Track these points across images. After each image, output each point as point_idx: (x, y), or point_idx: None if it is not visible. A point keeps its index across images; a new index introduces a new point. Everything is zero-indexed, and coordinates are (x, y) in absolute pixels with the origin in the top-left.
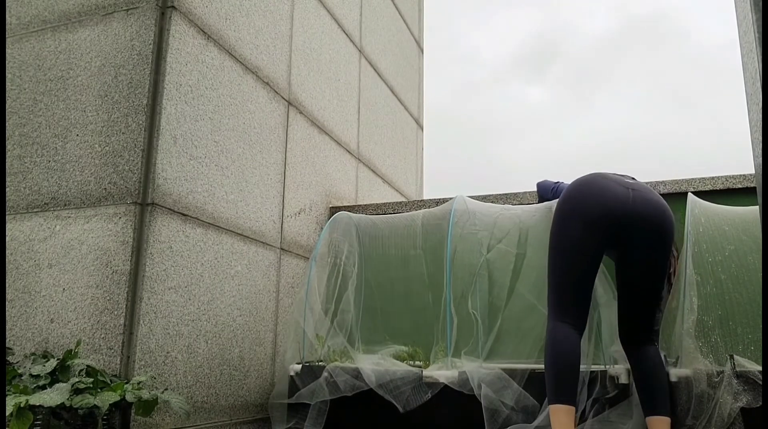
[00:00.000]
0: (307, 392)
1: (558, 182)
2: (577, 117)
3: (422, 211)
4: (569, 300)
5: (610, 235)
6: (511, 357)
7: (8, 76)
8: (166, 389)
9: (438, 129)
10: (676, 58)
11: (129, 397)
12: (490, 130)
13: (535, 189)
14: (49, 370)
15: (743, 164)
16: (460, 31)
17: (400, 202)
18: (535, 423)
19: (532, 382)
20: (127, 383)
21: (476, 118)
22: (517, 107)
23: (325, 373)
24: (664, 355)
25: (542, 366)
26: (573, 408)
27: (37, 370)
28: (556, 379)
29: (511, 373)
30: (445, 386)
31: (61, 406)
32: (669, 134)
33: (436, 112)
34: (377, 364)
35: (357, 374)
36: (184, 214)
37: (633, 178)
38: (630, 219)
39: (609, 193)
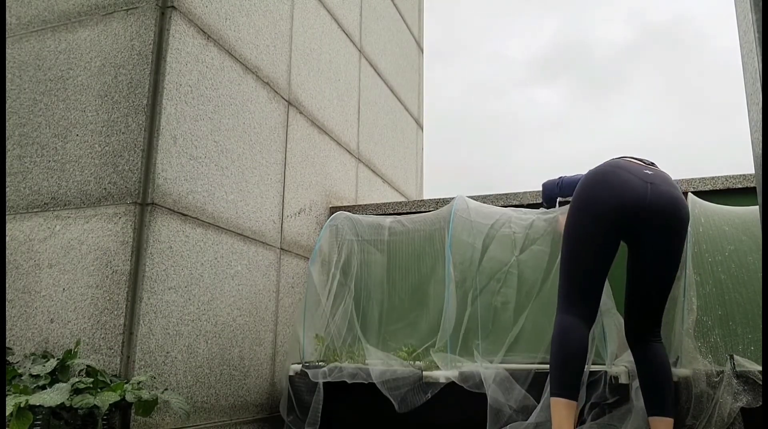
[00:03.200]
0: (312, 374)
1: (561, 177)
2: (589, 121)
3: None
4: (580, 293)
5: (624, 230)
6: (531, 352)
7: (8, 76)
8: (166, 389)
9: (451, 129)
10: (693, 64)
11: (129, 397)
12: (504, 132)
13: (540, 189)
14: (49, 370)
15: (743, 164)
16: (478, 35)
17: (400, 202)
18: (533, 419)
19: (536, 382)
20: (127, 383)
21: (491, 120)
22: (530, 110)
23: (324, 369)
24: None
25: (545, 366)
26: (574, 402)
27: (37, 370)
28: (560, 372)
29: (516, 373)
30: (445, 386)
31: (61, 406)
32: (685, 139)
33: (449, 112)
34: (382, 362)
35: (356, 372)
36: (184, 214)
37: (652, 164)
38: (646, 215)
39: (626, 187)
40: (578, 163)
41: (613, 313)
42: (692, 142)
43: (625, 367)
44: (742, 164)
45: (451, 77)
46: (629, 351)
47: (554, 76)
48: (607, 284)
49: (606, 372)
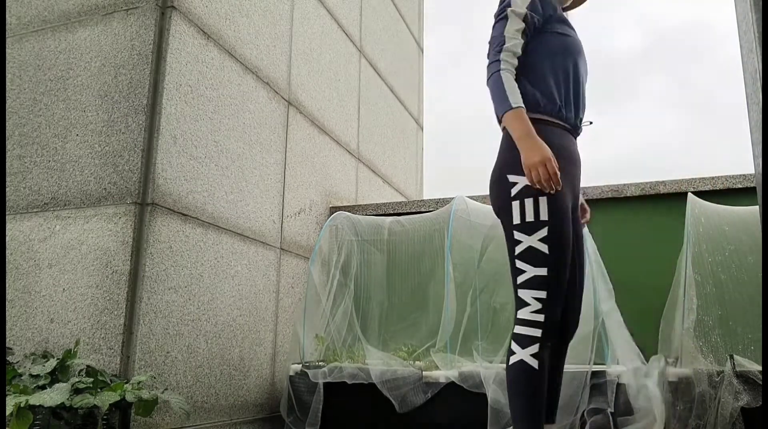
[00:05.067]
0: (312, 374)
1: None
2: (600, 126)
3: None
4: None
5: None
6: None
7: (8, 76)
8: (166, 389)
9: (457, 130)
10: (705, 69)
11: (129, 397)
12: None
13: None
14: (49, 370)
15: (743, 164)
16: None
17: (400, 202)
18: None
19: None
20: (127, 383)
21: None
22: None
23: (324, 369)
24: (665, 356)
25: None
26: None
27: (37, 370)
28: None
29: None
30: (445, 386)
31: (61, 406)
32: (693, 143)
33: (457, 113)
34: (382, 362)
35: (356, 372)
36: (184, 214)
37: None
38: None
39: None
40: (588, 169)
41: (615, 314)
42: (700, 146)
43: (627, 368)
44: (742, 164)
45: (459, 79)
46: (633, 353)
47: None
48: (609, 284)
49: (604, 372)
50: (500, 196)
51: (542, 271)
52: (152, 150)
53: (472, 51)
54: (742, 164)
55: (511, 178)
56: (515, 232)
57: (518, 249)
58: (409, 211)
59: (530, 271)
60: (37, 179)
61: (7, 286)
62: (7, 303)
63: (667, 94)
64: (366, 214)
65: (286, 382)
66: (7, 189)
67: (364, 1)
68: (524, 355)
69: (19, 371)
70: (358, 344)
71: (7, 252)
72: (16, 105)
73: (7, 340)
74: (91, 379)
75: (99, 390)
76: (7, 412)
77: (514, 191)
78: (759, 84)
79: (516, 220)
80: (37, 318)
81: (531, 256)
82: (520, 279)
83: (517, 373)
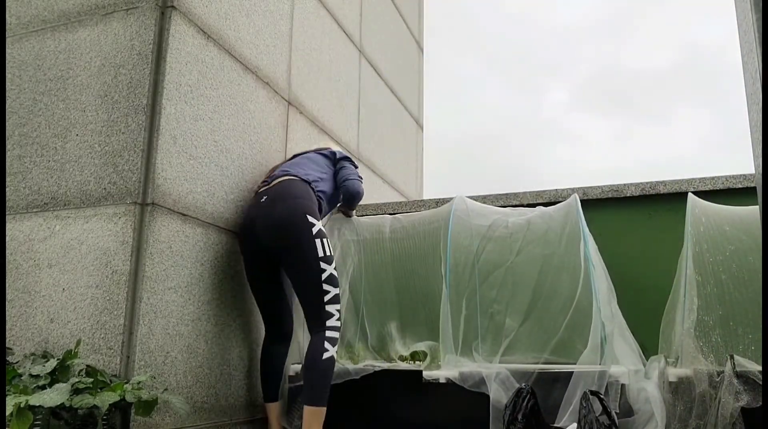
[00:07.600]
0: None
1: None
2: (617, 138)
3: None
4: (263, 315)
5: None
6: (535, 352)
7: (8, 76)
8: (166, 389)
9: (460, 131)
10: (728, 86)
11: (129, 397)
12: (518, 138)
13: (540, 189)
14: (48, 370)
15: (743, 164)
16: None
17: (400, 202)
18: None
19: (539, 382)
20: (126, 383)
21: (506, 124)
22: (549, 121)
23: None
24: (665, 356)
25: (551, 367)
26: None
27: (36, 370)
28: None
29: (518, 373)
30: (445, 386)
31: (61, 406)
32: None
33: (461, 114)
34: (381, 362)
35: (356, 372)
36: (184, 214)
37: (279, 177)
38: (259, 242)
39: (246, 234)
40: (594, 176)
41: (616, 314)
42: (717, 158)
43: (627, 369)
44: (742, 164)
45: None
46: (632, 355)
47: (584, 92)
48: (609, 294)
49: (605, 372)
50: (303, 232)
51: (338, 291)
52: (152, 150)
53: (473, 51)
54: (742, 164)
55: (310, 219)
56: (321, 263)
57: (324, 275)
58: (408, 211)
59: (332, 291)
60: (37, 179)
61: (7, 286)
62: (7, 303)
63: (673, 107)
64: (366, 214)
65: (285, 383)
66: (7, 189)
67: (364, 1)
68: (333, 352)
69: (19, 371)
70: (357, 344)
71: (7, 252)
72: (16, 105)
73: (7, 340)
74: (91, 380)
75: (99, 390)
76: (7, 412)
77: (314, 231)
78: (759, 84)
79: (320, 253)
80: (37, 318)
81: (332, 279)
82: (327, 297)
83: (331, 364)
